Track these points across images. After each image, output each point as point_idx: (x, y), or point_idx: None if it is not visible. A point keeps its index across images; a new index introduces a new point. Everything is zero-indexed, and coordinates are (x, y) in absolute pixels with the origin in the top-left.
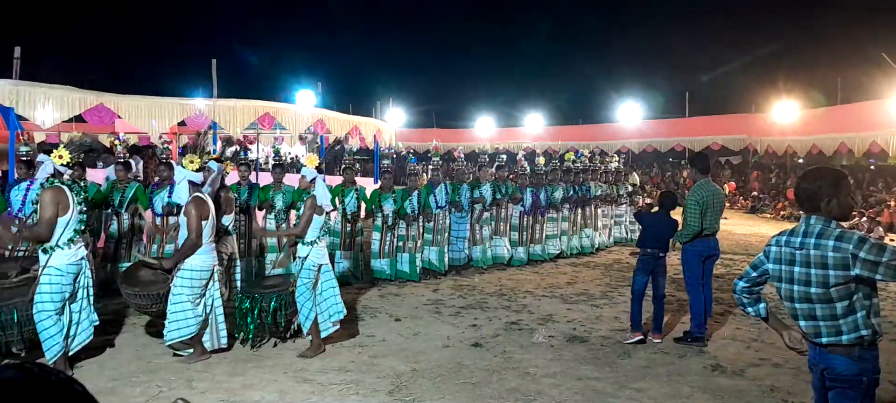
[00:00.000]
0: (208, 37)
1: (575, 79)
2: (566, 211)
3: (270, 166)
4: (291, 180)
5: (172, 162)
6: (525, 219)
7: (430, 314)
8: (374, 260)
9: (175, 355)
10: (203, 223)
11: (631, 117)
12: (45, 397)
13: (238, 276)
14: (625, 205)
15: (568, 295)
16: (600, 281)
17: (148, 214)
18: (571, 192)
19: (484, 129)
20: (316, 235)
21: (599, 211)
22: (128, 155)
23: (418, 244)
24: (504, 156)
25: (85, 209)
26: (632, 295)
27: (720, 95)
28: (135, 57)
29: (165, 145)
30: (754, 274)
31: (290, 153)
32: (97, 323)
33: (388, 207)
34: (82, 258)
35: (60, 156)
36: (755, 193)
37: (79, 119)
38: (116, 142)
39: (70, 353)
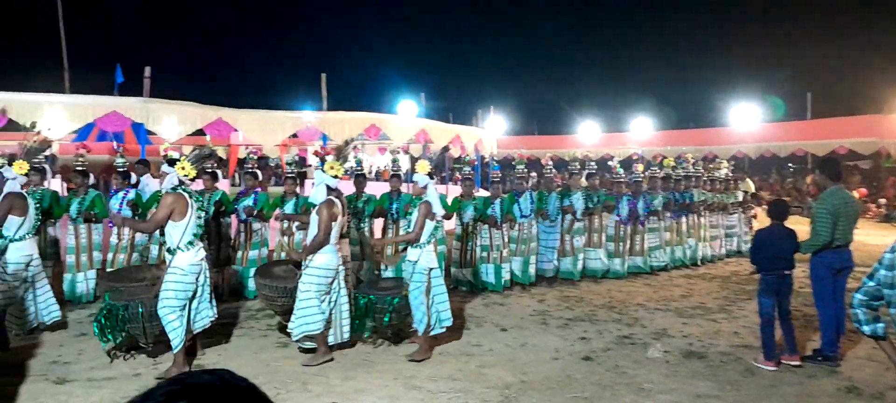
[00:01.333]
0: (318, 53)
1: (685, 82)
2: (668, 220)
3: (389, 175)
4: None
5: (256, 171)
6: (622, 229)
7: (536, 325)
8: (454, 268)
9: (302, 350)
10: (332, 224)
11: (746, 120)
12: (237, 400)
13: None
14: (737, 215)
15: (683, 309)
16: (717, 293)
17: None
18: (672, 200)
19: (588, 135)
20: (428, 240)
21: (705, 220)
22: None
23: (503, 254)
24: (594, 164)
25: (202, 215)
26: (761, 320)
27: (846, 95)
28: (251, 73)
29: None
30: (871, 284)
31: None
32: (214, 317)
33: (469, 214)
34: (202, 259)
35: (183, 168)
36: (888, 200)
37: (200, 132)
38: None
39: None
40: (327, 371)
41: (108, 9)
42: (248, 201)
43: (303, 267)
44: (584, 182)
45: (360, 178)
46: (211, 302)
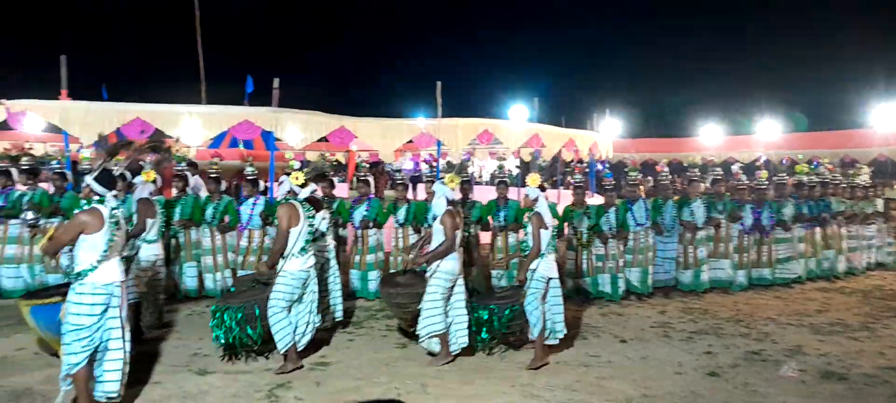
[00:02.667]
0: (431, 60)
1: (818, 81)
2: (801, 231)
3: (495, 182)
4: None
5: (368, 179)
6: (745, 240)
7: (658, 337)
8: (568, 279)
9: (429, 354)
10: (455, 232)
11: (889, 121)
12: None
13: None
14: (878, 225)
15: (819, 325)
16: (858, 309)
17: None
18: (805, 209)
19: (710, 138)
20: (547, 249)
21: (844, 231)
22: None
23: (619, 264)
24: (719, 169)
25: (313, 223)
26: None
27: None
28: (370, 82)
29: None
30: None
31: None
32: (319, 323)
33: (582, 224)
34: (311, 267)
35: (296, 178)
36: None
37: (323, 140)
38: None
39: (299, 348)
40: (446, 374)
41: (241, 24)
42: (362, 209)
43: (427, 273)
44: (705, 188)
45: (465, 184)
46: (319, 310)
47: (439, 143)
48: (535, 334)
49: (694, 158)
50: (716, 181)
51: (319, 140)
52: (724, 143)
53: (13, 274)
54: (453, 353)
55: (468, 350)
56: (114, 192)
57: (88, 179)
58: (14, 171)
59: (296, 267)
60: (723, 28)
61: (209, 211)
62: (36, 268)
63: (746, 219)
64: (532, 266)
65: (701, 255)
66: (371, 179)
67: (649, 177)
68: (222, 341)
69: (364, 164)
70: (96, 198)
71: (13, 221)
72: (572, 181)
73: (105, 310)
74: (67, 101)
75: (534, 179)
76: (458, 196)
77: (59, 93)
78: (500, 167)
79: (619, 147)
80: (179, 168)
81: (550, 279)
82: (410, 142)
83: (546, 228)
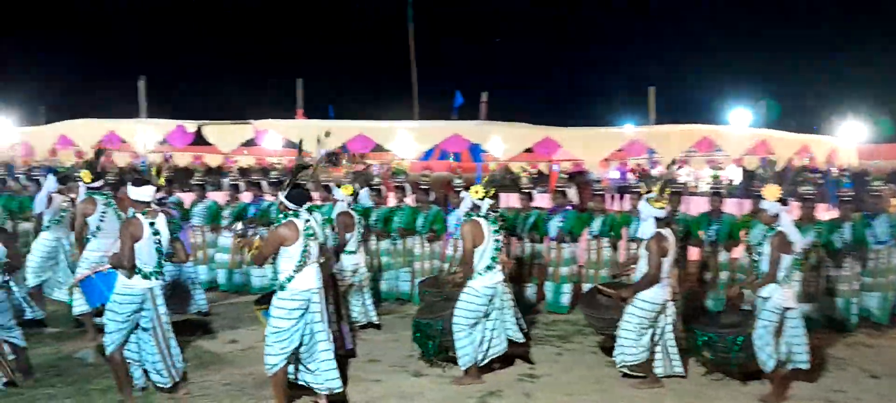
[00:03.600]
0: (643, 66)
1: None
2: None
3: (710, 191)
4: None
5: (565, 190)
6: None
7: None
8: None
9: (624, 375)
10: (662, 259)
11: None
12: None
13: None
14: None
15: None
16: None
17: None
18: None
19: None
20: (786, 277)
21: None
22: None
23: (854, 286)
24: None
25: (499, 238)
26: None
27: None
28: (577, 91)
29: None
30: None
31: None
32: (520, 340)
33: (805, 240)
34: (497, 283)
35: (477, 191)
36: None
37: (528, 150)
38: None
39: (482, 363)
40: (661, 397)
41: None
42: (557, 220)
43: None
44: None
45: (715, 197)
46: (517, 323)
47: (651, 152)
48: (767, 367)
49: None
50: None
51: (525, 151)
52: None
53: (260, 274)
54: (666, 374)
55: (683, 376)
56: (306, 206)
57: (281, 197)
58: (264, 183)
59: (481, 284)
60: None
61: (419, 221)
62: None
63: None
64: (764, 293)
65: None
66: (568, 190)
67: None
68: (429, 354)
69: (562, 175)
70: (291, 212)
71: (263, 229)
72: (801, 192)
73: (303, 315)
74: (302, 120)
75: (772, 192)
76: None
77: (295, 112)
78: (715, 177)
79: (866, 154)
80: (398, 180)
81: (788, 309)
82: (619, 150)
83: (789, 251)
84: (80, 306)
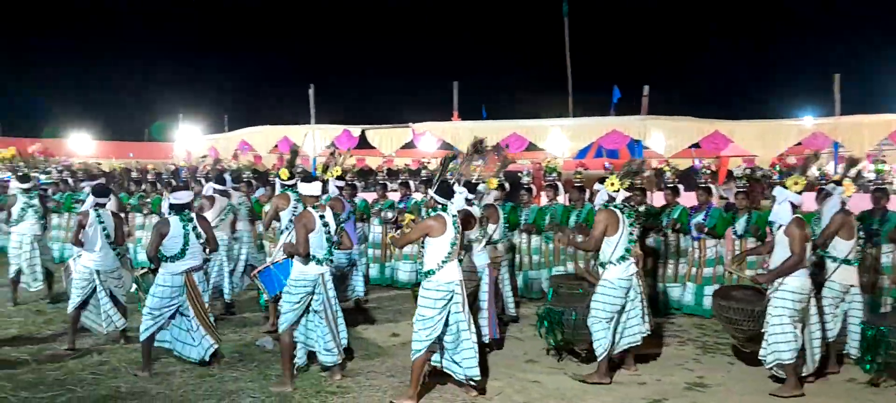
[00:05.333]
0: (827, 53)
1: None
2: None
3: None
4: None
5: (710, 186)
6: None
7: None
8: None
9: (773, 378)
10: (805, 243)
11: None
12: None
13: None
14: None
15: None
16: None
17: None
18: None
19: None
20: None
21: None
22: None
23: None
24: None
25: (634, 231)
26: None
27: None
28: (747, 83)
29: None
30: None
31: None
32: (646, 333)
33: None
34: (632, 274)
35: (612, 184)
36: None
37: (695, 146)
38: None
39: (615, 352)
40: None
41: (608, 34)
42: (700, 217)
43: (770, 290)
44: None
45: (879, 193)
46: (643, 317)
47: (836, 146)
48: None
49: None
50: None
51: (691, 146)
52: None
53: (409, 269)
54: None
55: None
56: (452, 201)
57: (430, 192)
58: (412, 183)
59: (616, 274)
60: None
61: (571, 219)
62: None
63: None
64: None
65: None
66: (713, 187)
67: None
68: (552, 343)
69: (703, 171)
70: (440, 206)
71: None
72: None
73: (446, 305)
74: (457, 122)
75: None
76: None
77: (451, 115)
78: (878, 171)
79: None
80: (550, 178)
81: None
82: (798, 144)
83: None
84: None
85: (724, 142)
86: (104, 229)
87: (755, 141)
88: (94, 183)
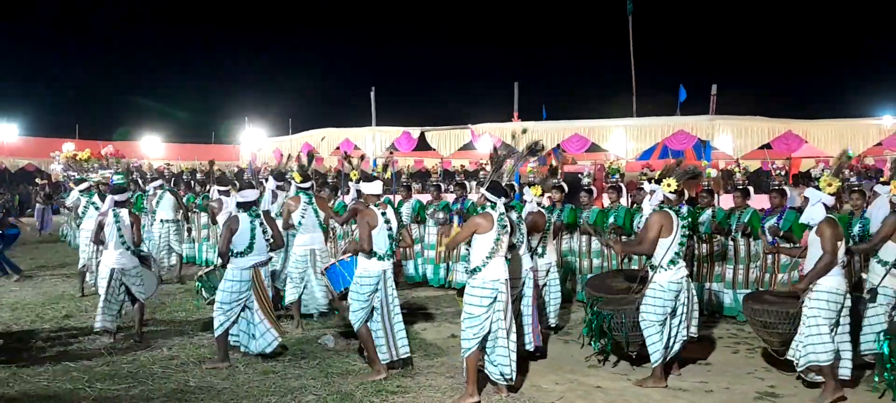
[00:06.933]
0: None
1: None
2: None
3: None
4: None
5: (784, 188)
6: None
7: None
8: None
9: (805, 384)
10: (838, 243)
11: None
12: None
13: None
14: None
15: None
16: None
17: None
18: None
19: None
20: None
21: None
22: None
23: None
24: None
25: (684, 234)
26: None
27: None
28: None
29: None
30: None
31: None
32: (688, 338)
33: None
34: (682, 278)
35: (668, 185)
36: None
37: (766, 146)
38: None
39: (668, 357)
40: None
41: (674, 32)
42: (773, 220)
43: (806, 294)
44: None
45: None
46: (690, 323)
47: None
48: None
49: None
50: None
51: (762, 147)
52: None
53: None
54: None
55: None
56: (503, 200)
57: (483, 189)
58: (468, 185)
59: (667, 278)
60: None
61: (636, 221)
62: None
63: None
64: None
65: None
66: (787, 190)
67: None
68: (596, 347)
69: (779, 172)
70: (489, 204)
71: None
72: None
73: (492, 302)
74: (517, 122)
75: None
76: None
77: (512, 115)
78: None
79: None
80: (613, 180)
81: None
82: (878, 144)
83: None
84: (291, 296)
85: (797, 142)
86: (119, 230)
87: (832, 141)
88: (113, 184)
